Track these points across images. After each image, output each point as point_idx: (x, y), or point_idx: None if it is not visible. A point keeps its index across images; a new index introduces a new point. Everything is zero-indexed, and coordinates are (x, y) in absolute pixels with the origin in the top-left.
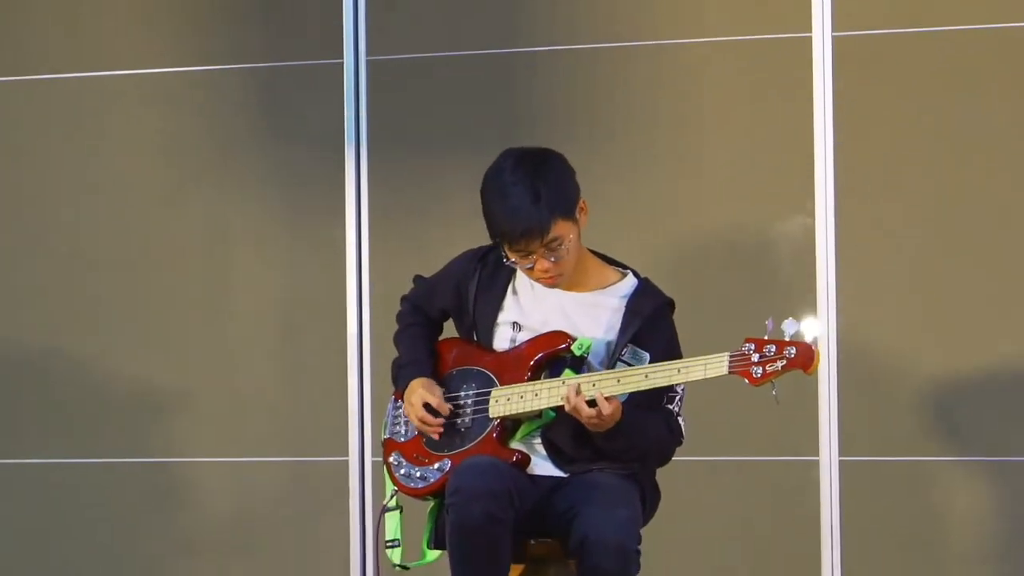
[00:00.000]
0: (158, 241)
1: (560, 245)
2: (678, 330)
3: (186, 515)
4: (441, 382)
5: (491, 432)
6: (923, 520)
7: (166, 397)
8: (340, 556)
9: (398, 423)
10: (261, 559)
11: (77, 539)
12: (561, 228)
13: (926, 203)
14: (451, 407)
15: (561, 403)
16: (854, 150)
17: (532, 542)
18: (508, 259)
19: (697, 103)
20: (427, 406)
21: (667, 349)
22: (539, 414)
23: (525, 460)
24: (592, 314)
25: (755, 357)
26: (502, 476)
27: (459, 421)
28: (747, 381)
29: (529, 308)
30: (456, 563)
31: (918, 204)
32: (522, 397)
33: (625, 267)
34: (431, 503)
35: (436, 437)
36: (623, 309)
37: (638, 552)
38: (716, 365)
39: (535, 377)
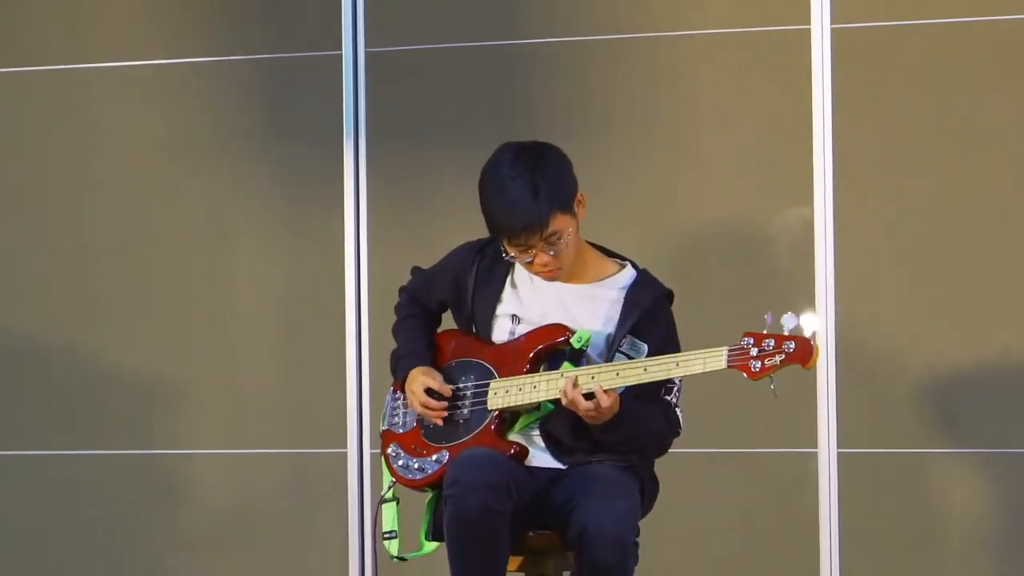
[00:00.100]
0: (156, 232)
1: (559, 239)
2: (677, 323)
3: (186, 507)
4: (439, 373)
5: (489, 424)
6: (921, 512)
7: (164, 388)
8: (339, 547)
9: (396, 414)
10: (260, 550)
11: (77, 530)
12: (560, 222)
13: (925, 196)
14: (452, 388)
15: (559, 396)
16: (853, 143)
17: (530, 534)
18: (507, 254)
19: (695, 95)
20: (429, 391)
21: (666, 340)
22: (538, 406)
23: (523, 452)
24: (591, 306)
25: (754, 351)
26: (500, 468)
27: (457, 413)
28: (746, 375)
29: (528, 300)
30: (454, 555)
31: (917, 197)
32: (520, 389)
33: (624, 259)
34: (429, 494)
35: (440, 422)
36: (622, 301)
37: (637, 544)
38: (715, 359)
39: (534, 369)
